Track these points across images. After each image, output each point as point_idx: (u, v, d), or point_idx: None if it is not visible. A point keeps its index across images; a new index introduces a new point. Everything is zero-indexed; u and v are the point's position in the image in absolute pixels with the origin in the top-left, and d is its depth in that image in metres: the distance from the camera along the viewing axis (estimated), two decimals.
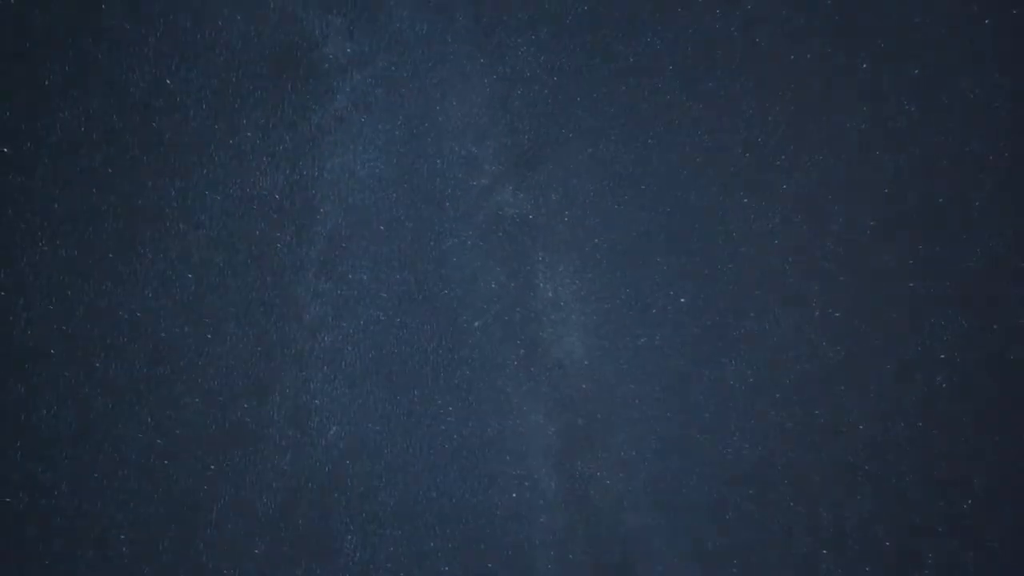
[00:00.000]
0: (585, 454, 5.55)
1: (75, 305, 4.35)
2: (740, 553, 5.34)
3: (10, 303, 4.11)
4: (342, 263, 4.89)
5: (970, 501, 5.33)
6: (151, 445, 4.60)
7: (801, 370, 5.39)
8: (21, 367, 4.27)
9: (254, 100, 4.50)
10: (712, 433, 5.51)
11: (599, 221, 5.28)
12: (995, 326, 5.23)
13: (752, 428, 5.52)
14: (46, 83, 3.81)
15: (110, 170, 4.26)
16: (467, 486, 5.23)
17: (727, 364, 5.47)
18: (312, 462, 4.86)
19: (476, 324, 5.09)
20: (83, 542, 4.23)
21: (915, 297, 5.19)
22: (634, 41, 5.01)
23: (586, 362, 5.44)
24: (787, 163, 5.34)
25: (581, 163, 5.19)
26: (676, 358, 5.44)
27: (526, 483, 5.38)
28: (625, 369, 5.44)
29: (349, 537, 4.94)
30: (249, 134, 4.44)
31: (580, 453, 5.55)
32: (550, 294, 5.33)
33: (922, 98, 5.08)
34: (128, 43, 4.31)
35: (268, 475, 4.77)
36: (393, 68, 4.67)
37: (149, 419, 4.59)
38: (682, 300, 5.36)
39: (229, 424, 4.63)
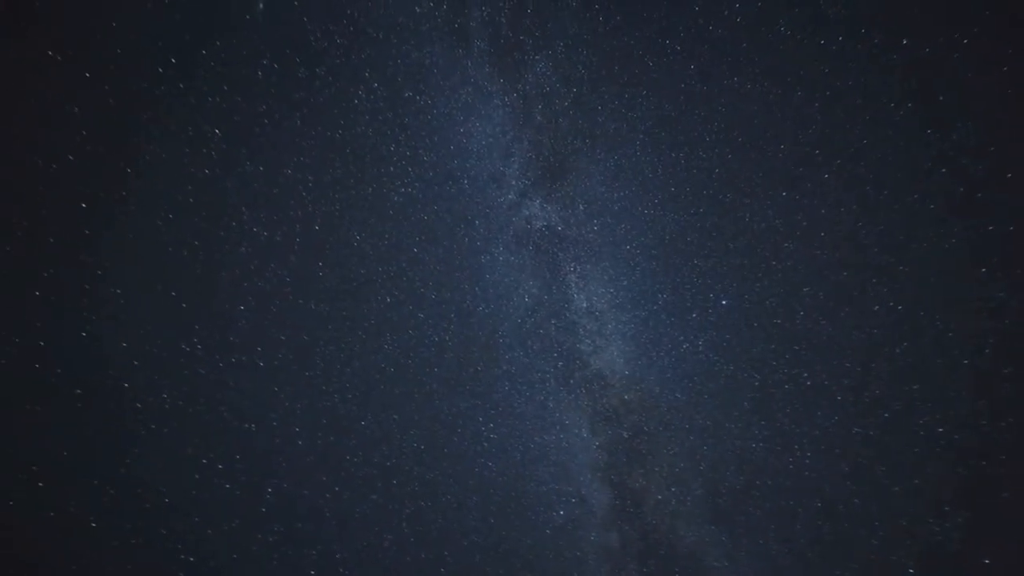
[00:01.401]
0: (634, 468, 5.22)
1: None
2: (810, 573, 4.78)
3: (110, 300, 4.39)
4: (381, 285, 4.92)
5: None
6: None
7: (865, 369, 4.86)
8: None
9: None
10: (771, 441, 5.04)
11: (629, 227, 5.06)
12: None
13: (816, 435, 5.01)
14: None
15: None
16: (513, 504, 5.02)
17: (780, 367, 5.03)
18: (355, 481, 4.82)
19: (513, 339, 4.96)
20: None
21: (982, 285, 4.58)
22: (654, 46, 4.85)
23: (627, 372, 5.16)
24: (827, 154, 4.94)
25: (607, 171, 5.03)
26: (723, 363, 5.06)
27: (573, 499, 5.11)
28: (669, 377, 5.11)
29: (398, 558, 4.83)
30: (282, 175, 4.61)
31: (629, 467, 5.22)
32: (585, 304, 5.14)
33: (964, 85, 4.58)
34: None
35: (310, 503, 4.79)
36: (418, 96, 4.75)
37: None
38: (724, 302, 5.01)
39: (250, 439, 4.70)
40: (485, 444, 4.69)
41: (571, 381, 4.77)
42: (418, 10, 4.66)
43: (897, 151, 4.70)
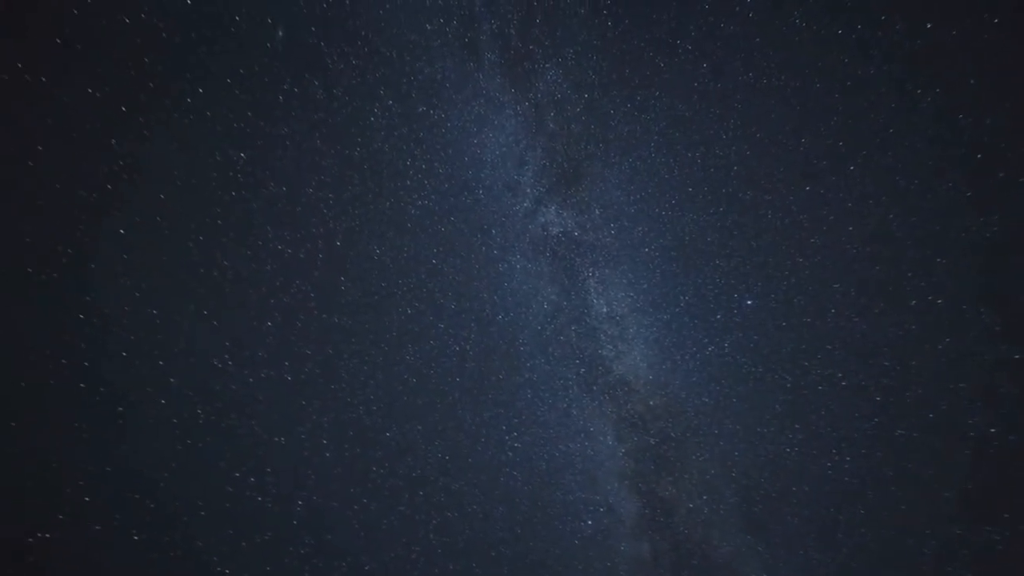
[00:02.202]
0: (663, 476, 5.00)
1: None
2: None
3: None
4: (401, 297, 4.91)
5: None
6: None
7: (904, 367, 4.54)
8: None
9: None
10: (806, 446, 4.76)
11: (647, 230, 4.92)
12: None
13: (855, 438, 4.71)
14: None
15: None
16: (540, 514, 4.88)
17: (812, 367, 4.76)
18: (382, 492, 4.78)
19: (533, 346, 4.85)
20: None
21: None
22: (664, 47, 4.75)
23: (651, 377, 4.98)
24: (852, 145, 4.71)
25: (622, 174, 4.92)
26: (751, 365, 4.82)
27: (601, 509, 4.93)
28: (695, 381, 4.91)
29: (426, 569, 4.74)
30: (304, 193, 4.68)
31: (657, 475, 5.02)
32: (605, 309, 5.00)
33: (996, 66, 4.29)
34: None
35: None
36: (431, 111, 4.77)
37: None
38: (749, 302, 4.79)
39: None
40: (509, 453, 4.57)
41: (594, 387, 4.62)
42: (429, 27, 4.70)
43: (927, 139, 4.43)
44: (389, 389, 4.86)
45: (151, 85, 4.39)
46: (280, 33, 4.54)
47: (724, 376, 4.56)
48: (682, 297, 4.62)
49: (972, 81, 4.31)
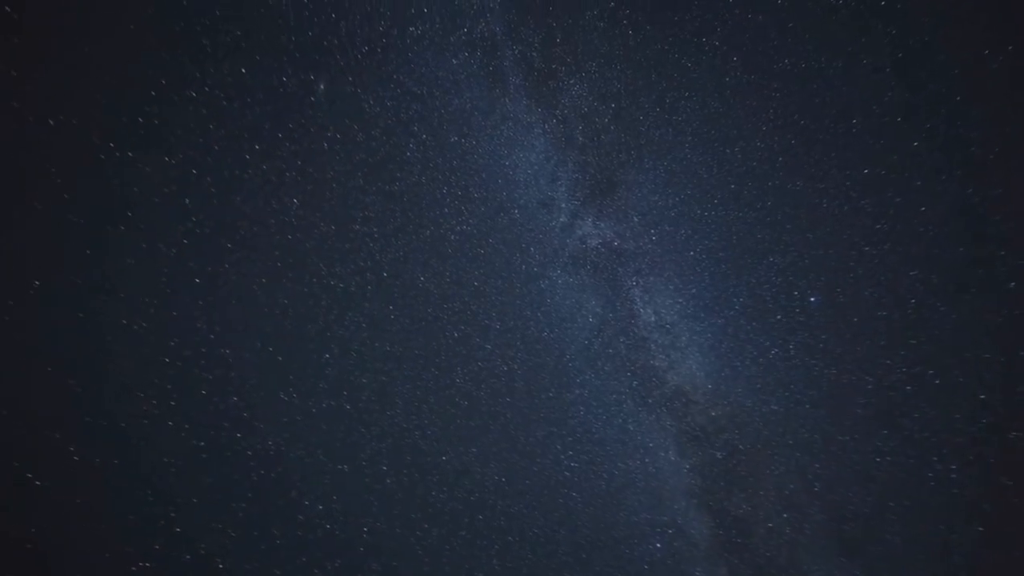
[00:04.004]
0: (735, 492, 4.49)
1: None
2: None
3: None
4: (447, 321, 4.85)
5: None
6: None
7: (1011, 359, 3.83)
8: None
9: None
10: (900, 454, 4.11)
11: (690, 232, 4.57)
12: None
13: (959, 442, 4.01)
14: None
15: None
16: (604, 536, 4.50)
17: (896, 365, 4.13)
18: (443, 517, 4.61)
19: (582, 362, 4.58)
20: None
21: None
22: (689, 47, 4.49)
23: (710, 386, 4.54)
24: (913, 119, 4.18)
25: (657, 178, 4.64)
26: (822, 367, 4.27)
27: (670, 530, 4.47)
28: (759, 388, 4.41)
29: None
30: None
31: (728, 492, 4.51)
32: (653, 318, 4.65)
33: None
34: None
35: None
36: (463, 140, 4.77)
37: None
38: (812, 299, 4.28)
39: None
40: (567, 473, 4.27)
41: (649, 400, 4.25)
42: (455, 62, 4.76)
43: (1004, 103, 3.82)
44: (442, 412, 4.75)
45: (216, 148, 4.72)
46: (321, 87, 4.77)
47: (792, 381, 4.04)
48: (736, 299, 4.19)
49: None
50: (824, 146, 4.22)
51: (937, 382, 3.88)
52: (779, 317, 4.09)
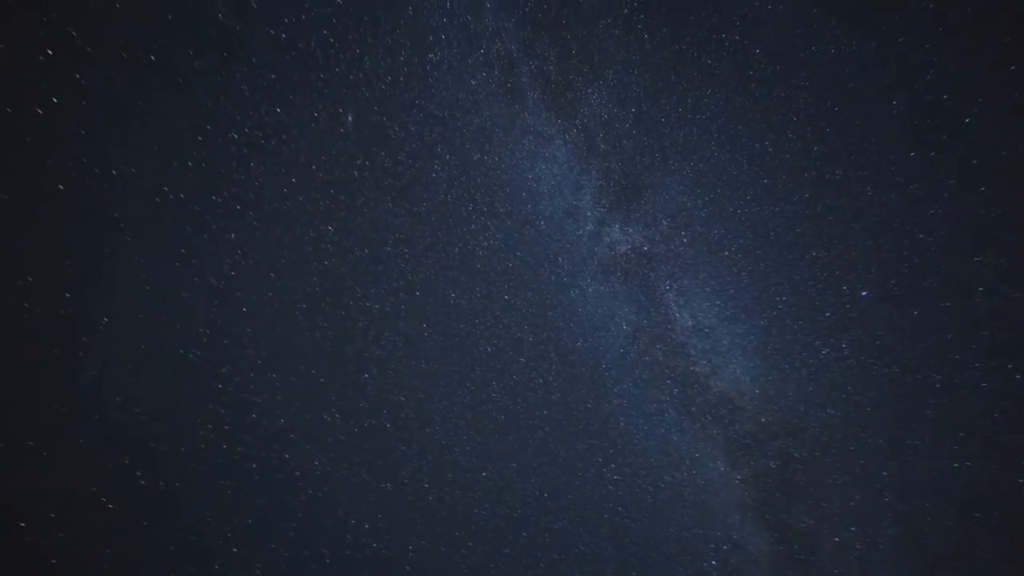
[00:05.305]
0: (794, 504, 4.10)
1: None
2: None
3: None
4: (480, 336, 4.76)
5: None
6: None
7: None
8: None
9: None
10: (982, 458, 3.65)
11: (723, 232, 4.31)
12: None
13: None
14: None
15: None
16: (655, 553, 4.20)
17: (967, 360, 3.70)
18: (486, 534, 4.44)
19: (618, 371, 4.36)
20: None
21: None
22: (708, 44, 4.31)
23: (757, 391, 4.20)
24: (960, 96, 3.81)
25: (684, 179, 4.42)
26: (881, 366, 3.88)
27: (725, 546, 4.12)
28: (812, 391, 4.05)
29: None
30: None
31: (787, 504, 4.12)
32: (690, 322, 4.39)
33: None
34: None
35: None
36: (485, 157, 4.74)
37: None
38: (863, 293, 3.91)
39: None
40: (610, 487, 4.04)
41: (692, 408, 3.98)
42: (473, 83, 4.76)
43: None
44: (480, 428, 4.62)
45: (257, 184, 4.89)
46: (350, 118, 4.88)
47: (848, 382, 3.68)
48: (778, 298, 3.88)
49: None
50: (863, 131, 3.89)
51: (1018, 376, 3.42)
52: (828, 314, 3.75)
